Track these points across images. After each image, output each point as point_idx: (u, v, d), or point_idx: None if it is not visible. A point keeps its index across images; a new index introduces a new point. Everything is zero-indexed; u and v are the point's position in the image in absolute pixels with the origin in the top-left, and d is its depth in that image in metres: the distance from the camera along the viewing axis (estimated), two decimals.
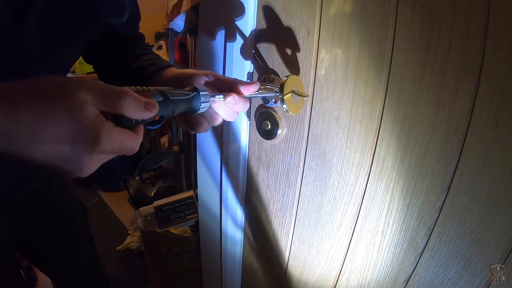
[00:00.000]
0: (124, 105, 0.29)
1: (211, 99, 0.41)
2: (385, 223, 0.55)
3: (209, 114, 0.44)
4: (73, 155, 0.28)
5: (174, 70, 0.53)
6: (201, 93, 0.39)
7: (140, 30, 0.69)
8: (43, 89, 0.27)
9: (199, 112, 0.40)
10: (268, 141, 0.68)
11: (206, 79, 0.46)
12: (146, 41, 0.73)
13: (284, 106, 0.52)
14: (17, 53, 0.42)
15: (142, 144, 2.11)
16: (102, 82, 0.29)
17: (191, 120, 0.44)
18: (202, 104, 0.39)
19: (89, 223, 0.89)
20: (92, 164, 0.29)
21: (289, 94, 0.53)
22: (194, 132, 0.46)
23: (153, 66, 0.56)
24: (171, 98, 0.36)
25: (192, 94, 0.39)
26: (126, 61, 0.62)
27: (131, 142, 0.31)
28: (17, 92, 0.27)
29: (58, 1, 0.44)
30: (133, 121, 0.31)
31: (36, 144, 0.26)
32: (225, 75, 0.70)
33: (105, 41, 0.62)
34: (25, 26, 0.41)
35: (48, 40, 0.45)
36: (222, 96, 0.43)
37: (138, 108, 0.30)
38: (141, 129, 0.33)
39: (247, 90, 0.44)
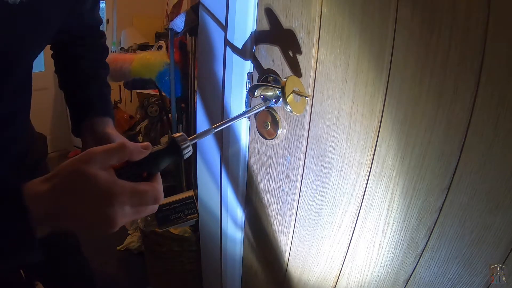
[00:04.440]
0: (129, 151, 0.35)
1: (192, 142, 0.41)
2: (385, 223, 0.55)
3: None
4: (100, 215, 0.33)
5: (104, 128, 0.57)
6: (182, 146, 0.39)
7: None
8: (63, 181, 0.33)
9: (185, 158, 0.40)
10: (268, 141, 0.68)
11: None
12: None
13: (288, 107, 0.53)
14: None
15: None
16: (98, 147, 0.35)
17: None
18: (185, 151, 0.39)
19: None
20: (119, 217, 0.33)
21: (291, 95, 0.53)
22: None
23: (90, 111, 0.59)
24: (154, 155, 0.38)
25: (171, 149, 0.39)
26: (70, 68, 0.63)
27: (148, 189, 0.35)
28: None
29: None
30: (131, 174, 0.36)
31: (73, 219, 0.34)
32: (225, 75, 0.70)
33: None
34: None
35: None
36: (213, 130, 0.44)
37: (138, 150, 0.36)
38: (156, 177, 0.38)
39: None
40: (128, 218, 0.35)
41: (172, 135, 0.39)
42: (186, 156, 0.40)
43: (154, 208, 0.38)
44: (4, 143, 0.57)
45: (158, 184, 0.38)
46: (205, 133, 0.44)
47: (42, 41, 0.52)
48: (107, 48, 0.68)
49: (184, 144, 0.39)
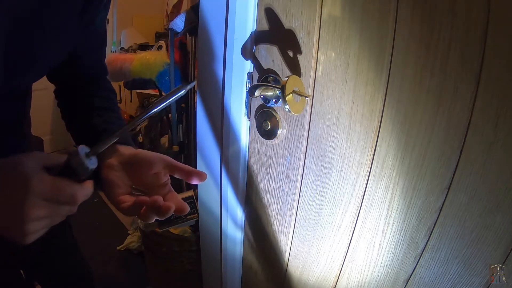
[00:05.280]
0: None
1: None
2: (385, 223, 0.55)
3: None
4: (11, 198, 0.33)
5: (130, 150, 0.51)
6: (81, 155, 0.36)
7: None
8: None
9: (89, 169, 0.38)
10: (268, 141, 0.68)
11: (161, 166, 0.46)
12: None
13: (286, 106, 0.53)
14: None
15: (142, 144, 2.11)
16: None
17: None
18: (88, 165, 0.37)
19: (70, 222, 0.87)
20: (30, 208, 0.33)
21: (291, 95, 0.53)
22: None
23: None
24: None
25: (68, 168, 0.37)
26: (86, 99, 0.61)
27: (67, 186, 0.35)
28: None
29: (27, 23, 0.43)
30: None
31: None
32: (225, 75, 0.70)
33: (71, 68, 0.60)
34: None
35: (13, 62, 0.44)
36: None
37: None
38: (85, 182, 0.37)
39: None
40: (39, 212, 0.34)
41: (73, 150, 0.37)
42: (91, 165, 0.37)
43: (70, 209, 0.37)
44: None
45: (81, 187, 0.37)
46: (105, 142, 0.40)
47: (49, 52, 0.50)
48: (115, 92, 0.66)
49: (80, 161, 0.36)
